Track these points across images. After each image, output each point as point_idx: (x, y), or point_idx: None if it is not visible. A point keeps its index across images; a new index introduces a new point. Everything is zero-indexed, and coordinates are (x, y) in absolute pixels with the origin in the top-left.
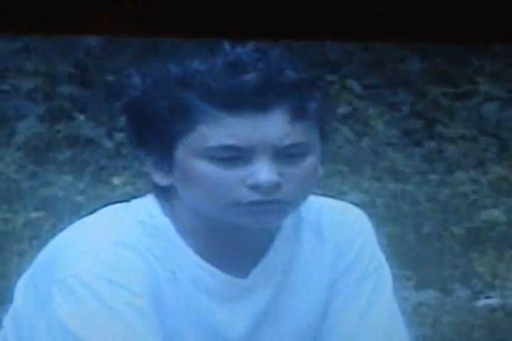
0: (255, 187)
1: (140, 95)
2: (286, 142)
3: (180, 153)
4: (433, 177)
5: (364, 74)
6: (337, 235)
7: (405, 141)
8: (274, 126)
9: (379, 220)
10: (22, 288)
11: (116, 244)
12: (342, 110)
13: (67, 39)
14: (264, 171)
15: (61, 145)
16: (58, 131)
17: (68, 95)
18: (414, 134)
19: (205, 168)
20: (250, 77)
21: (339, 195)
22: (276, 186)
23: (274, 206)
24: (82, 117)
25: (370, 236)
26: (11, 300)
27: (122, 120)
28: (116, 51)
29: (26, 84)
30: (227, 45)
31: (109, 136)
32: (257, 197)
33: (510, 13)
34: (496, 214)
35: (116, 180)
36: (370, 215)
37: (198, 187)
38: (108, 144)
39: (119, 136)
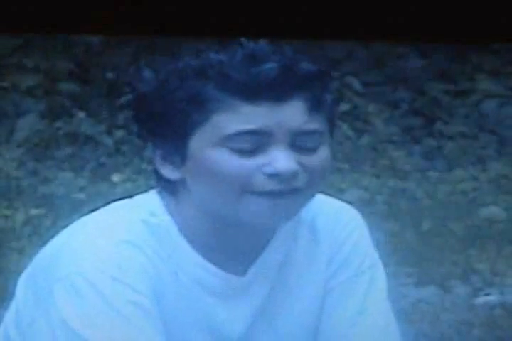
0: (273, 176)
1: (154, 89)
2: (304, 128)
3: (195, 143)
4: (432, 174)
5: (364, 72)
6: (331, 234)
7: (405, 138)
8: (291, 114)
9: (379, 217)
10: (23, 284)
11: (119, 242)
12: (342, 107)
13: (67, 36)
14: (282, 159)
15: (61, 143)
16: (58, 128)
17: (68, 92)
18: (414, 131)
19: (222, 156)
20: (270, 66)
21: (339, 192)
22: (294, 174)
23: (290, 196)
24: (82, 114)
25: (363, 234)
26: (10, 297)
27: (122, 117)
28: (116, 48)
29: (26, 81)
30: (243, 41)
31: (109, 133)
32: (273, 186)
33: (510, 12)
34: (496, 211)
35: (116, 177)
36: (369, 212)
37: (212, 178)
38: (108, 141)
39: (119, 133)
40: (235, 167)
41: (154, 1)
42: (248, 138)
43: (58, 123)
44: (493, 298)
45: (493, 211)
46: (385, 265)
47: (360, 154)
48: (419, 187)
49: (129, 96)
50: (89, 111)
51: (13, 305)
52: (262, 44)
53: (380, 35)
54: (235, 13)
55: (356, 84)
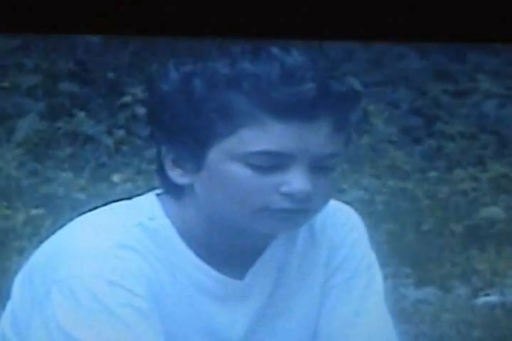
0: (288, 195)
1: (177, 91)
2: (325, 152)
3: (215, 154)
4: (433, 174)
5: (364, 72)
6: (329, 234)
7: (405, 139)
8: (317, 135)
9: (378, 218)
10: (19, 285)
11: (116, 245)
12: None
13: (67, 36)
14: (299, 180)
15: (61, 143)
16: (58, 128)
17: (68, 92)
18: (414, 131)
19: (240, 172)
20: (309, 87)
21: (339, 193)
22: (308, 196)
23: (300, 215)
24: (82, 114)
25: (361, 235)
26: (9, 297)
27: (123, 117)
28: (117, 48)
29: (26, 82)
30: (275, 50)
31: (109, 133)
32: (286, 205)
33: (510, 12)
34: (496, 211)
35: (116, 177)
36: (369, 213)
37: (227, 191)
38: (108, 141)
39: (119, 133)
40: (252, 184)
41: (154, 1)
42: (270, 157)
43: (58, 124)
44: (493, 298)
45: (494, 211)
46: (385, 265)
47: (360, 154)
48: (419, 187)
49: (149, 95)
50: (90, 111)
51: (9, 306)
52: (297, 57)
53: (380, 35)
54: (235, 13)
55: (356, 85)
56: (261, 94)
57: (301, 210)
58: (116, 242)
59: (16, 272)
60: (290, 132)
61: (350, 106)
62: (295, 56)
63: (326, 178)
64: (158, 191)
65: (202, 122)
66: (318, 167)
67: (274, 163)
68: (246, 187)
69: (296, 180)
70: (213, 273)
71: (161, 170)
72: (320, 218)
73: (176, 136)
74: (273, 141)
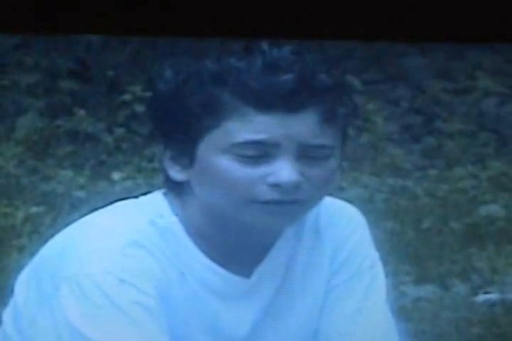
0: (275, 186)
1: (172, 89)
2: (313, 142)
3: (204, 148)
4: (432, 172)
5: (363, 70)
6: (333, 233)
7: (405, 137)
8: (302, 125)
9: (378, 215)
10: (24, 283)
11: (127, 243)
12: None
13: (67, 36)
14: (286, 170)
15: (61, 141)
16: (58, 126)
17: (68, 90)
18: (414, 130)
19: (227, 163)
20: (287, 77)
21: (339, 191)
22: (296, 186)
23: (290, 207)
24: (82, 112)
25: (364, 234)
26: (11, 295)
27: (122, 115)
28: (116, 47)
29: (26, 79)
30: (265, 46)
31: (109, 131)
32: (275, 196)
33: (510, 11)
34: (495, 209)
35: (116, 175)
36: (369, 211)
37: (217, 184)
38: (108, 139)
39: (119, 131)
40: (239, 175)
41: (154, 1)
42: (255, 147)
43: (58, 121)
44: (492, 296)
45: (493, 209)
46: (385, 263)
47: (360, 152)
48: (419, 185)
49: (151, 94)
50: (90, 109)
51: (11, 303)
52: (284, 52)
53: (379, 33)
54: (235, 13)
55: (356, 83)
56: (241, 85)
57: (290, 202)
58: (126, 240)
59: (15, 270)
60: (273, 122)
61: (334, 99)
62: (280, 50)
63: (316, 168)
64: (164, 190)
65: (190, 117)
66: (307, 157)
67: (259, 153)
68: (234, 179)
69: (282, 170)
70: (221, 271)
71: (163, 169)
72: (324, 217)
73: (169, 132)
74: (256, 131)
